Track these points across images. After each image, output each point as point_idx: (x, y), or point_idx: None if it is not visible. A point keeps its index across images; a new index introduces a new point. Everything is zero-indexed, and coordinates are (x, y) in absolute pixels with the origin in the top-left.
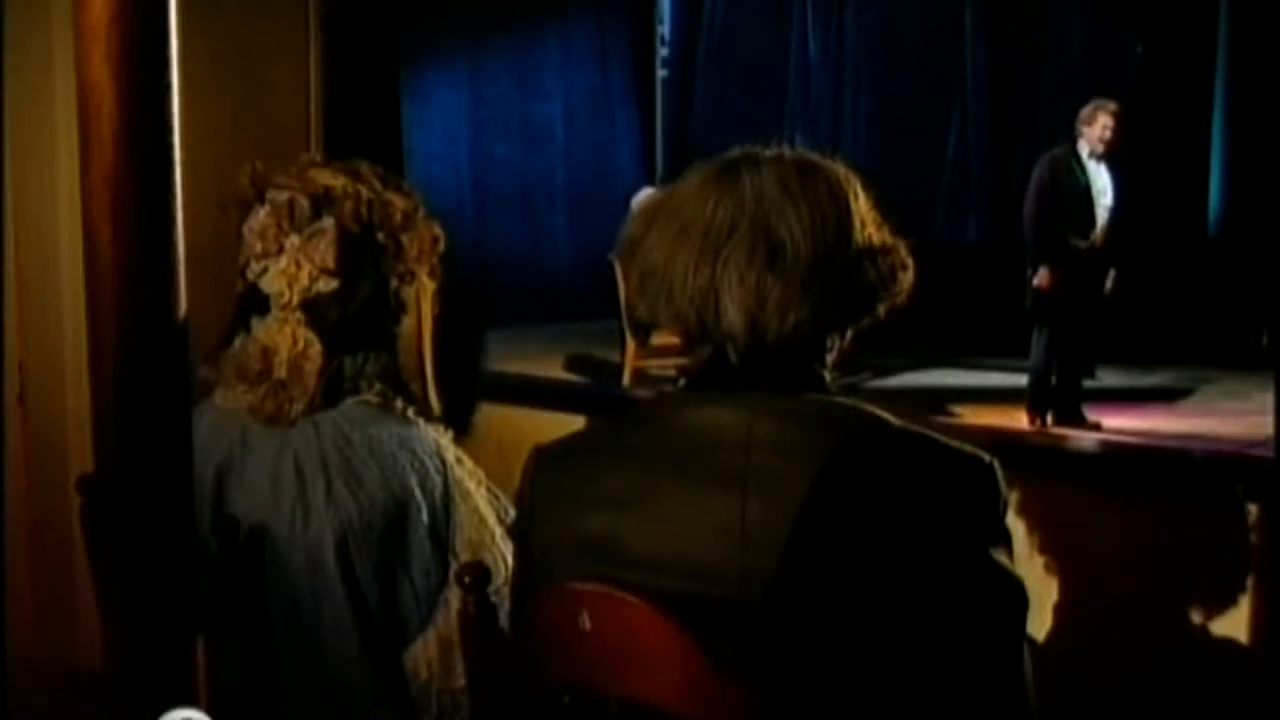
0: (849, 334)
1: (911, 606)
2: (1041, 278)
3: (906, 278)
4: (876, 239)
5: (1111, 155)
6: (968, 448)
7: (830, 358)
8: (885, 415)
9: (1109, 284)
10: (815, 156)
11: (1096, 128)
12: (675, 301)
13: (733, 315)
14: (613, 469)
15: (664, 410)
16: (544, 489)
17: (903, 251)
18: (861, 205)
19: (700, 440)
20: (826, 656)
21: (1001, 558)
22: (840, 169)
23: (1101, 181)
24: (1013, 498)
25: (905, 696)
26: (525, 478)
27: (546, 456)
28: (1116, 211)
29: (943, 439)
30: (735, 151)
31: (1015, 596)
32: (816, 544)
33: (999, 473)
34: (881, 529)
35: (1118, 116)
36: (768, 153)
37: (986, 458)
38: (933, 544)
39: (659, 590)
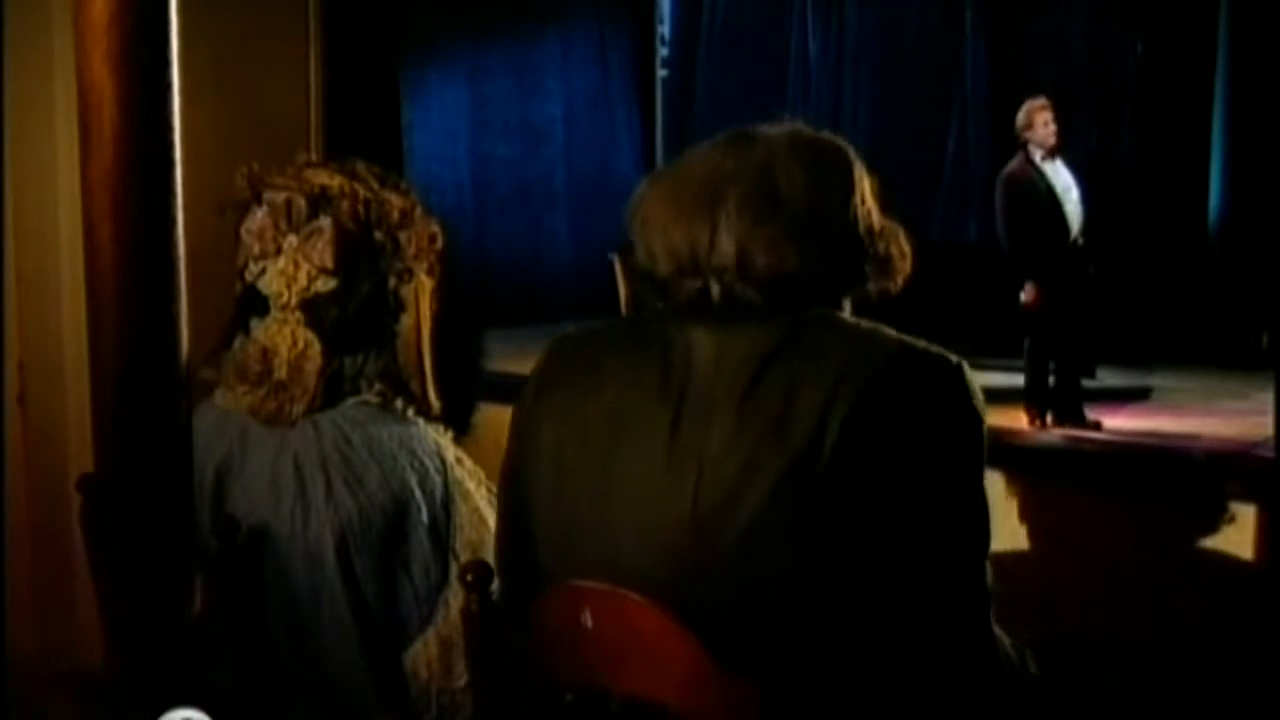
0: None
1: (901, 523)
2: (1028, 294)
3: (905, 264)
4: (876, 218)
5: (1060, 151)
6: (933, 348)
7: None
8: (858, 321)
9: (1091, 270)
10: (826, 134)
11: (1039, 128)
12: (670, 235)
13: (725, 247)
14: (610, 371)
15: (662, 327)
16: (550, 369)
17: (901, 238)
18: (865, 182)
19: (682, 360)
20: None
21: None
22: (849, 148)
23: (1062, 180)
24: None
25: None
26: (540, 361)
27: (562, 341)
28: (1085, 204)
29: (908, 340)
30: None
31: (983, 524)
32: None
33: (967, 372)
34: (886, 452)
35: (1053, 110)
36: (779, 127)
37: (953, 358)
38: (928, 464)
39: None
